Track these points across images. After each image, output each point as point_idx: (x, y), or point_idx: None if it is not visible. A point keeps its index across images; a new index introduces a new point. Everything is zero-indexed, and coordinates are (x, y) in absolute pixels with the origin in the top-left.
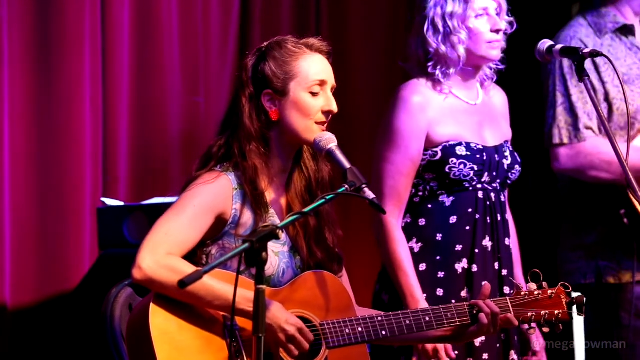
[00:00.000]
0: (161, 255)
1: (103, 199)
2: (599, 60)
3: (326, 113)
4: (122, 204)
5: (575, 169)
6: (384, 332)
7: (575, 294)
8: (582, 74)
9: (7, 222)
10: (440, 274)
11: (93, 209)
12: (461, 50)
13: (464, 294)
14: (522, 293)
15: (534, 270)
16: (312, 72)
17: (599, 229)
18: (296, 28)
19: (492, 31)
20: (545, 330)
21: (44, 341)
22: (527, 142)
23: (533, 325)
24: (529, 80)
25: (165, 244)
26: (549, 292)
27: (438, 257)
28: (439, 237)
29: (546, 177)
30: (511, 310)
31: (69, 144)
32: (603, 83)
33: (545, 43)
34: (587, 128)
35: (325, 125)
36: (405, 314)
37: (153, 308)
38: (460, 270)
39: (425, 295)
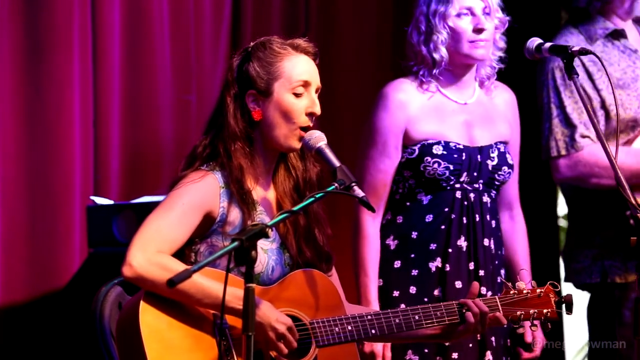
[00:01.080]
0: (151, 252)
1: (92, 198)
2: (591, 68)
3: (310, 115)
4: (111, 202)
5: (576, 178)
6: (373, 331)
7: (564, 293)
8: (571, 72)
9: None
10: (414, 272)
11: (83, 207)
12: (443, 50)
13: (436, 292)
14: (511, 292)
15: (522, 269)
16: (295, 72)
17: (605, 230)
18: (287, 26)
19: (474, 30)
20: (534, 329)
21: (35, 339)
22: (522, 143)
23: (522, 324)
24: (525, 80)
25: (156, 242)
26: (538, 291)
27: (412, 255)
28: (414, 235)
29: (542, 177)
30: (500, 309)
31: (60, 143)
32: (598, 90)
33: (534, 41)
34: (584, 137)
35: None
36: (395, 312)
37: (143, 306)
38: (433, 269)
39: (398, 292)
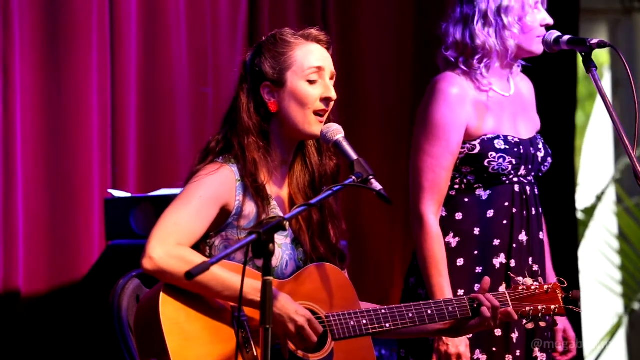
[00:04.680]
0: (171, 245)
1: (110, 191)
2: None
3: (325, 101)
4: (129, 195)
5: None
6: (387, 325)
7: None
8: (589, 65)
9: (20, 213)
10: (478, 269)
11: (102, 200)
12: (511, 43)
13: (502, 289)
14: (520, 288)
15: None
16: (307, 60)
17: None
18: (303, 16)
19: (541, 26)
20: (542, 324)
21: (54, 330)
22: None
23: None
24: (541, 73)
25: (175, 234)
26: (545, 287)
27: (476, 252)
28: (476, 231)
29: (560, 171)
30: (510, 304)
31: (78, 136)
32: None
33: (553, 34)
34: None
35: (326, 114)
36: (408, 307)
37: (163, 298)
38: (498, 266)
39: (463, 291)
